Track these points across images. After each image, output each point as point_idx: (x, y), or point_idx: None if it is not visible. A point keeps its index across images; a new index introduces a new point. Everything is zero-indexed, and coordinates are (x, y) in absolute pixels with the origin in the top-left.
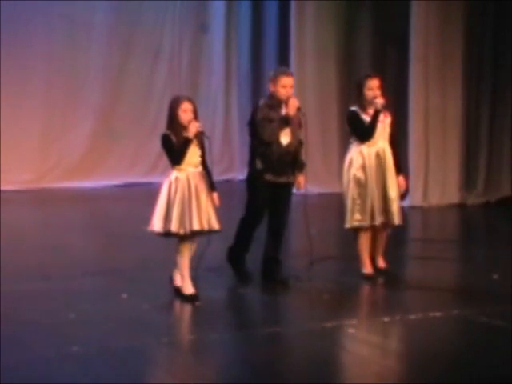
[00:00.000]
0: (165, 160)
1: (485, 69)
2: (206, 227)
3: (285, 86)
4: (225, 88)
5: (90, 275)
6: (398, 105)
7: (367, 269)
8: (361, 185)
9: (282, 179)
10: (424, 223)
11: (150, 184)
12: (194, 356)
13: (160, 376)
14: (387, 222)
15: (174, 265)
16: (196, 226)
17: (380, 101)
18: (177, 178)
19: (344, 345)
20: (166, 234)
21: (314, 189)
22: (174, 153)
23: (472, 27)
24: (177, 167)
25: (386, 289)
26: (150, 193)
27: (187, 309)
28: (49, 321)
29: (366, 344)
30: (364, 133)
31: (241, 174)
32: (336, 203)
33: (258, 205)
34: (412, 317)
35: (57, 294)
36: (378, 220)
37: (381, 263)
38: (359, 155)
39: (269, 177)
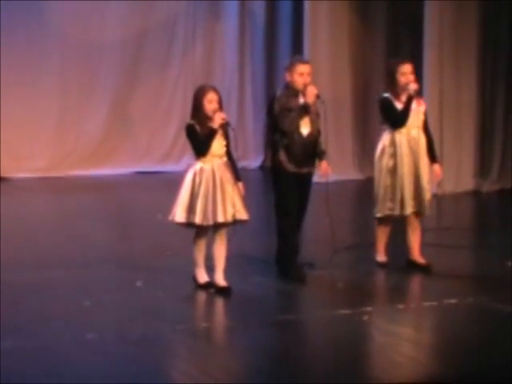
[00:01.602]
0: (178, 148)
1: (500, 55)
2: (230, 219)
3: (302, 73)
4: (239, 76)
5: (105, 263)
6: None
7: (381, 256)
8: (393, 173)
9: (305, 170)
10: (438, 211)
11: (164, 172)
12: (208, 343)
13: (175, 363)
14: (418, 212)
15: (192, 262)
16: (220, 218)
17: (413, 86)
18: (201, 169)
19: (359, 332)
20: (189, 225)
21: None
22: (199, 143)
23: (487, 12)
24: (202, 158)
25: (400, 276)
26: (164, 181)
27: (202, 296)
28: (64, 308)
29: (381, 331)
30: (396, 120)
31: (254, 162)
32: (349, 190)
33: (290, 202)
34: (427, 304)
35: (72, 281)
36: (409, 209)
37: (420, 259)
38: (391, 143)
39: (292, 168)
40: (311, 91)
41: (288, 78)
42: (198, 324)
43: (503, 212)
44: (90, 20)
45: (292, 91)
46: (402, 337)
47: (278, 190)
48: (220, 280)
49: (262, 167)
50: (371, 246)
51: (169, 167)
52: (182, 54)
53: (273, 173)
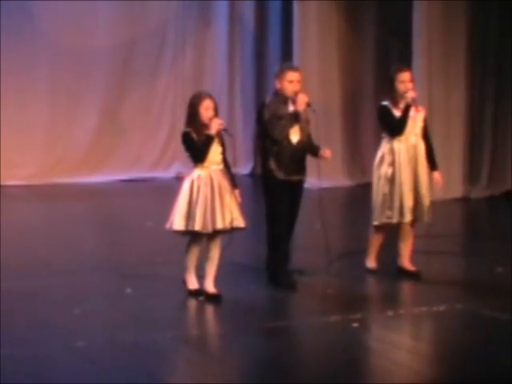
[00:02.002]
0: (168, 155)
1: (489, 62)
2: (228, 226)
3: (291, 80)
4: (228, 83)
5: (95, 270)
6: None
7: (371, 262)
8: (391, 181)
9: (295, 177)
10: None
11: (154, 179)
12: (199, 350)
13: (166, 371)
14: (415, 219)
15: (183, 266)
16: (219, 225)
17: (411, 94)
18: (199, 176)
19: (349, 339)
20: (188, 232)
21: (316, 183)
22: (196, 151)
23: (476, 20)
24: (199, 165)
25: (390, 283)
26: (154, 188)
27: (193, 303)
28: (54, 316)
29: (371, 338)
30: (394, 128)
31: (244, 169)
32: (339, 197)
33: (280, 210)
34: (417, 310)
35: (62, 289)
36: (408, 217)
37: (410, 266)
38: (390, 151)
39: (282, 176)
40: (302, 99)
41: (278, 85)
42: (189, 331)
43: (492, 218)
44: (80, 27)
45: (282, 98)
46: (392, 343)
47: (269, 197)
48: (210, 287)
49: (251, 174)
50: (361, 252)
51: (159, 174)
52: (172, 60)
53: (263, 180)
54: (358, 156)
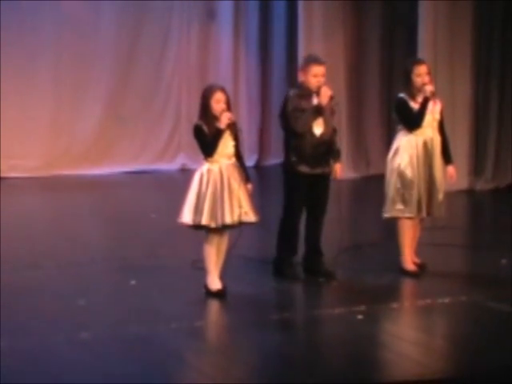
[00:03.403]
0: (173, 147)
1: (494, 53)
2: (238, 220)
3: (316, 75)
4: (233, 75)
5: (99, 262)
6: None
7: (409, 265)
8: (406, 175)
9: (317, 170)
10: None
11: (158, 171)
12: (203, 342)
13: (170, 362)
14: (428, 214)
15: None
16: (228, 220)
17: (429, 88)
18: (209, 170)
19: (353, 331)
20: (196, 226)
21: None
22: (206, 144)
23: (481, 12)
24: (209, 158)
25: (394, 275)
26: (158, 180)
27: (197, 295)
28: (58, 307)
29: (375, 330)
30: (412, 121)
31: (249, 161)
32: (343, 189)
33: (296, 203)
34: (421, 303)
35: (66, 280)
36: (424, 212)
37: (415, 258)
38: (406, 144)
39: (303, 169)
40: (325, 92)
41: (302, 78)
42: (193, 323)
43: (497, 211)
44: (84, 20)
45: (305, 91)
46: (396, 335)
47: (288, 190)
48: (215, 282)
49: (256, 166)
50: (366, 245)
51: (163, 166)
52: (177, 52)
53: (284, 173)
54: (363, 149)
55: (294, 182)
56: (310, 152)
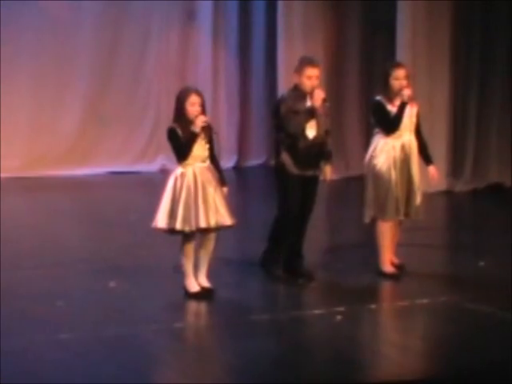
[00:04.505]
0: (153, 148)
1: (472, 56)
2: (213, 224)
3: (310, 77)
4: (212, 77)
5: (79, 263)
6: None
7: (388, 267)
8: (384, 178)
9: (309, 172)
10: None
11: (138, 172)
12: (182, 343)
13: (150, 364)
14: (406, 216)
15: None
16: (203, 224)
17: (407, 92)
18: (182, 174)
19: (332, 332)
20: (171, 231)
21: None
22: (180, 147)
23: (460, 14)
24: (183, 162)
25: (373, 276)
26: (138, 181)
27: (177, 297)
28: (37, 308)
29: (354, 331)
30: (390, 125)
31: (228, 163)
32: (323, 190)
33: (290, 203)
34: (400, 304)
35: (45, 281)
36: (402, 214)
37: (394, 259)
38: (383, 147)
39: (295, 170)
40: (318, 95)
41: (296, 79)
42: (173, 324)
43: (476, 212)
44: (64, 19)
45: (299, 93)
46: (375, 336)
47: (281, 191)
48: (203, 281)
49: (235, 167)
50: (344, 246)
51: (143, 167)
52: (157, 53)
53: (276, 174)
54: (342, 150)
55: (288, 183)
56: (302, 154)
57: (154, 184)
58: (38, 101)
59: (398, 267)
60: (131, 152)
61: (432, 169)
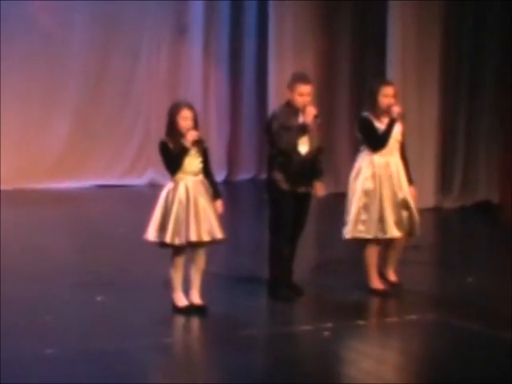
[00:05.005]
0: (141, 162)
1: (462, 73)
2: (205, 238)
3: (302, 93)
4: (203, 91)
5: (66, 277)
6: None
7: (376, 284)
8: (369, 195)
9: (301, 189)
10: None
11: (126, 186)
12: (170, 358)
13: (137, 378)
14: (409, 234)
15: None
16: (193, 237)
17: (397, 109)
18: (174, 187)
19: (320, 348)
20: (161, 244)
21: None
22: (170, 161)
23: (450, 31)
24: (174, 176)
25: (361, 292)
26: (126, 195)
27: (164, 311)
28: (24, 322)
29: (341, 347)
30: (377, 142)
31: (217, 177)
32: (311, 206)
33: (283, 220)
34: (388, 320)
35: (33, 295)
36: (394, 232)
37: (392, 276)
38: (369, 164)
39: (288, 187)
40: (310, 111)
41: (288, 95)
42: (162, 339)
43: (464, 229)
44: (54, 33)
45: (292, 110)
46: (362, 353)
47: (273, 208)
48: (196, 298)
49: (225, 181)
50: (333, 262)
51: (131, 181)
52: (147, 68)
53: (268, 190)
54: (332, 166)
55: (280, 199)
56: (294, 170)
57: (142, 198)
58: (27, 114)
59: (394, 286)
60: (120, 165)
61: (412, 190)
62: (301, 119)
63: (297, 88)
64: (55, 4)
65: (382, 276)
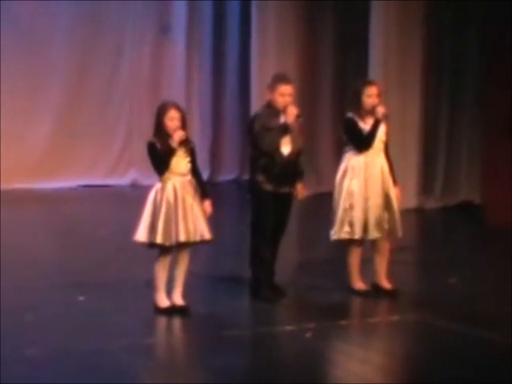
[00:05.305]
0: (124, 162)
1: (444, 74)
2: (193, 238)
3: (283, 94)
4: (185, 92)
5: (48, 277)
6: None
7: (358, 284)
8: (355, 196)
9: (284, 189)
10: None
11: (109, 186)
12: (152, 359)
13: (119, 379)
14: (389, 235)
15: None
16: (182, 238)
17: (381, 109)
18: (162, 188)
19: (302, 349)
20: (151, 244)
21: None
22: (158, 162)
23: (432, 32)
24: (162, 176)
25: (343, 293)
26: (109, 195)
27: (146, 312)
28: (5, 323)
29: (324, 348)
30: (362, 142)
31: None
32: (293, 206)
33: (264, 222)
34: (370, 320)
35: (14, 295)
36: (374, 234)
37: (385, 284)
38: (354, 165)
39: (270, 188)
40: (291, 111)
41: (269, 96)
42: (144, 340)
43: (446, 229)
44: (37, 32)
45: (273, 110)
46: (345, 353)
47: (255, 208)
48: (178, 299)
49: (208, 182)
50: (315, 262)
51: (114, 181)
52: (129, 67)
53: (250, 191)
54: (314, 166)
55: (262, 200)
56: (277, 171)
57: (124, 198)
58: (9, 113)
59: (390, 292)
60: (102, 165)
61: (397, 190)
62: (282, 119)
63: (278, 88)
64: (37, 3)
65: (377, 287)
